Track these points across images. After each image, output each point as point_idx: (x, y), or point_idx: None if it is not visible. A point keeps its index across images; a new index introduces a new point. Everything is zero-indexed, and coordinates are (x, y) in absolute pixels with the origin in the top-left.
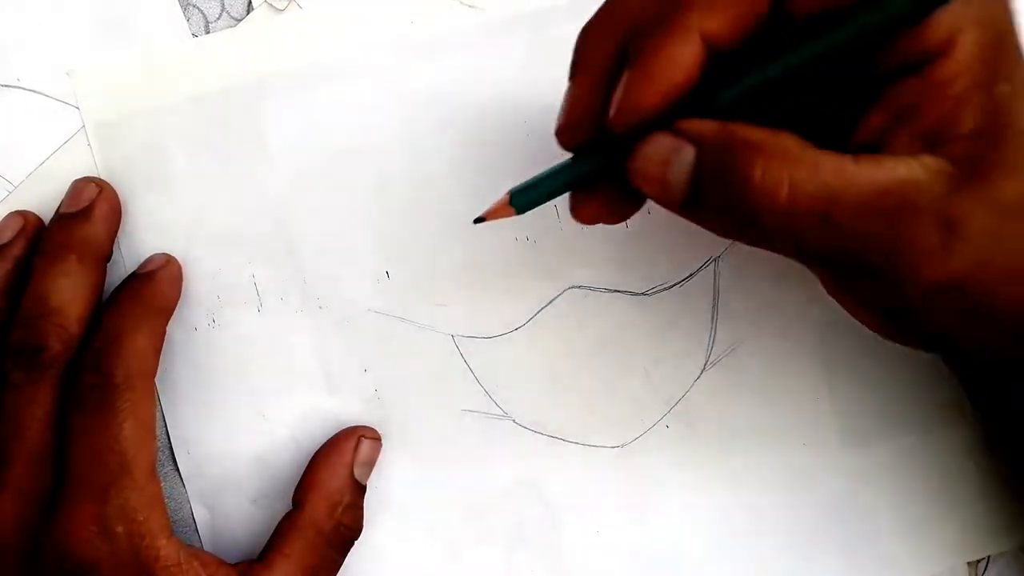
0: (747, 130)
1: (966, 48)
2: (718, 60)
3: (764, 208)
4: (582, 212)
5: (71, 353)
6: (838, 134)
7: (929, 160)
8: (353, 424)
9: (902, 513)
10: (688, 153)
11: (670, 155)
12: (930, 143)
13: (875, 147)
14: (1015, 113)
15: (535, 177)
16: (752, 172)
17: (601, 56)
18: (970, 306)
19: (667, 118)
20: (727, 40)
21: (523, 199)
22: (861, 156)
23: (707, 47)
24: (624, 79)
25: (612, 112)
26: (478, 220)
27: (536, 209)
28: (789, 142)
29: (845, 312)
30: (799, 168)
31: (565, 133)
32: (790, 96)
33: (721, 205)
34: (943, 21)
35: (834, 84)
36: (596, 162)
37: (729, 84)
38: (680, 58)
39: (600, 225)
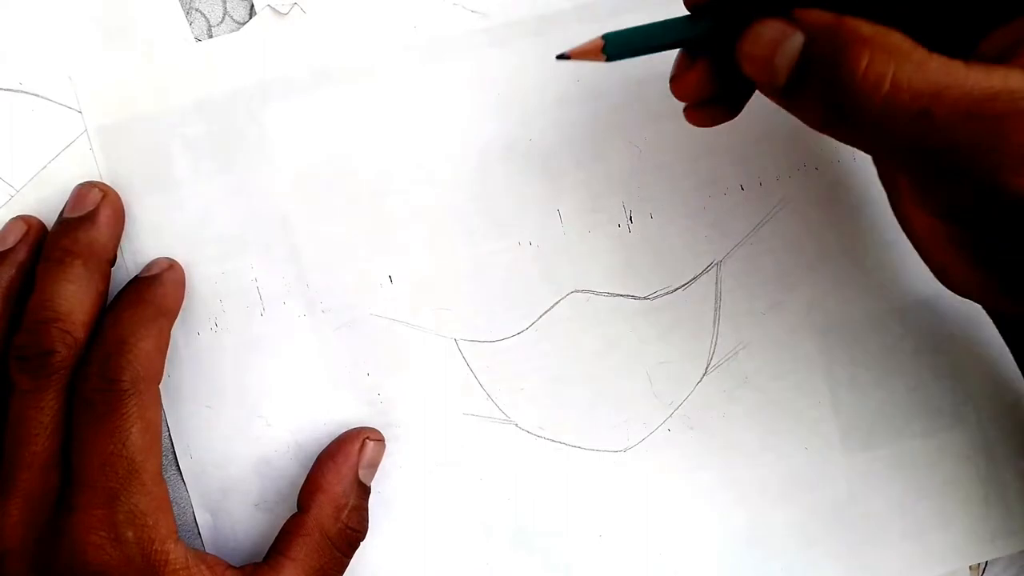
0: (858, 23)
1: None
2: None
3: (864, 99)
4: (681, 82)
5: (77, 358)
6: (961, 50)
7: None
8: (348, 430)
9: (903, 517)
10: (797, 39)
11: (780, 39)
12: None
13: (998, 61)
14: None
15: (635, 27)
16: (858, 62)
17: None
18: None
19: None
20: None
21: (619, 45)
22: (974, 62)
23: None
24: None
25: None
26: (561, 56)
27: (538, 214)
28: (899, 39)
29: (846, 318)
30: (905, 63)
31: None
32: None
33: (822, 94)
34: None
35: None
36: (708, 26)
37: None
38: None
39: (603, 229)
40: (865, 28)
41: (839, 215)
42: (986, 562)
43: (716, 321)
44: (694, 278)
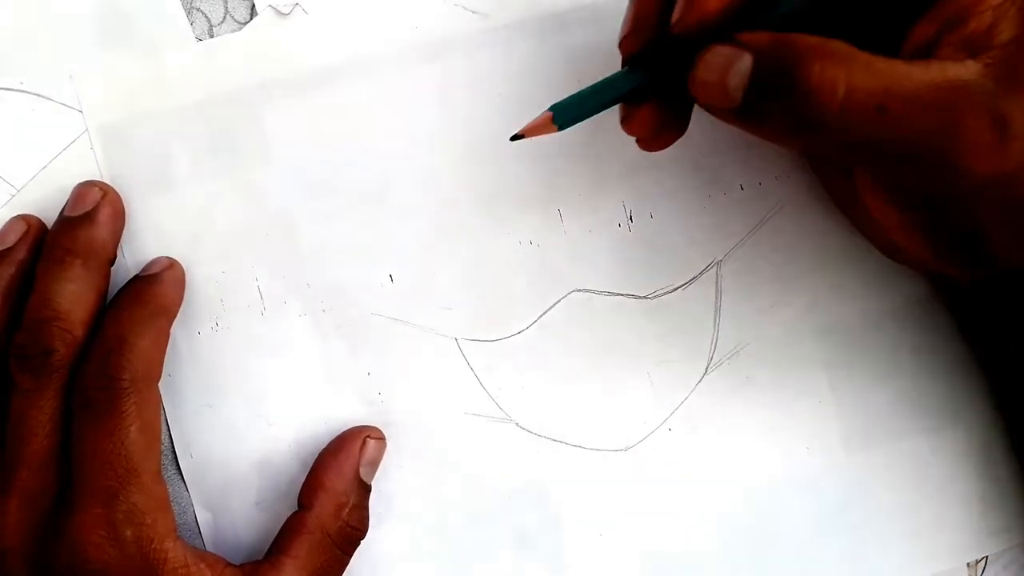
0: (802, 37)
1: None
2: None
3: (823, 105)
4: (632, 123)
5: (77, 357)
6: (889, 47)
7: (972, 64)
8: (349, 428)
9: (903, 515)
10: (746, 61)
11: (729, 63)
12: (975, 49)
13: (923, 55)
14: None
15: (578, 92)
16: (810, 72)
17: None
18: (1012, 202)
19: (725, 29)
20: None
21: (567, 114)
22: (913, 60)
23: None
24: None
25: (675, 16)
26: (516, 137)
27: (539, 213)
28: (841, 45)
29: (846, 317)
30: (854, 66)
31: (628, 41)
32: (844, 7)
33: (781, 108)
34: None
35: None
36: (649, 74)
37: None
38: None
39: (603, 228)
40: (809, 39)
41: (839, 215)
42: (986, 561)
43: (716, 320)
44: (694, 277)
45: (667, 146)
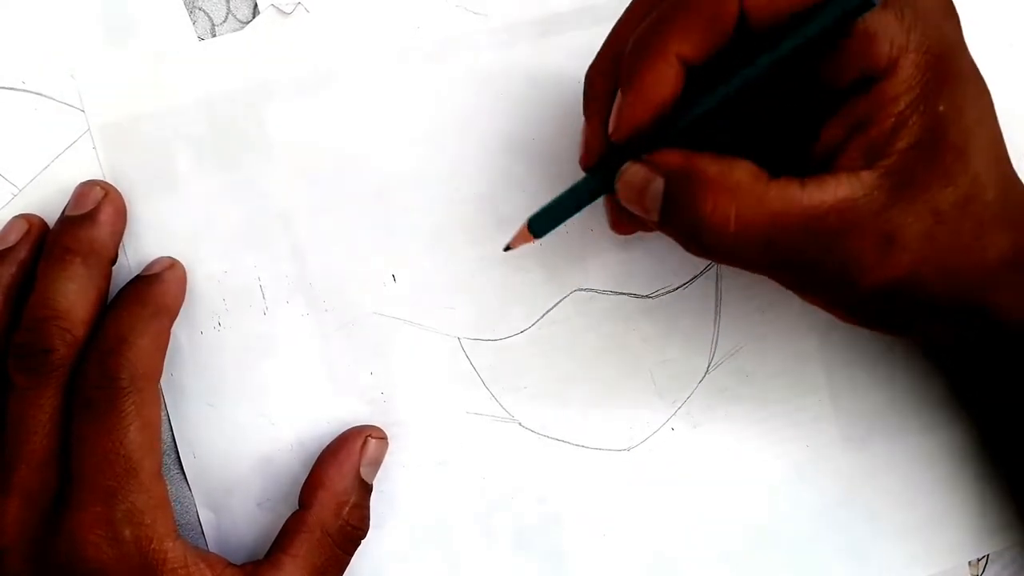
0: (705, 163)
1: (906, 70)
2: (696, 74)
3: (716, 236)
4: (620, 227)
5: (76, 356)
6: (804, 144)
7: (867, 176)
8: (351, 427)
9: (903, 514)
10: (658, 183)
11: (645, 184)
12: (873, 156)
13: (830, 157)
14: (951, 130)
15: (549, 203)
16: (704, 206)
17: (604, 92)
18: (911, 303)
19: (659, 129)
20: (700, 59)
21: (540, 224)
22: (808, 180)
23: (684, 66)
24: (617, 101)
25: (611, 128)
26: (506, 248)
27: None
28: (741, 174)
29: None
30: (747, 200)
31: (584, 159)
32: (757, 106)
33: (683, 230)
34: (886, 44)
35: (797, 99)
36: (601, 178)
37: (702, 97)
38: (661, 78)
39: (604, 228)
40: (710, 168)
41: None
42: (987, 560)
43: (717, 320)
44: (695, 277)
45: (634, 232)
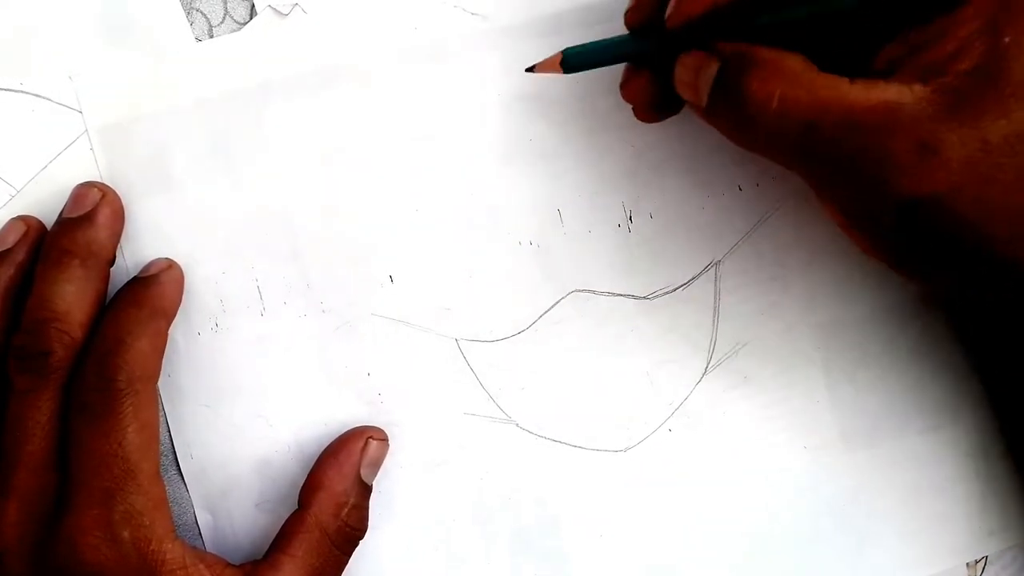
0: (760, 50)
1: (981, 1)
2: None
3: (757, 114)
4: (628, 88)
5: (75, 358)
6: (863, 60)
7: (919, 88)
8: (352, 428)
9: (903, 514)
10: (713, 67)
11: (700, 66)
12: (930, 74)
13: (885, 74)
14: (1014, 64)
15: (592, 42)
16: (752, 83)
17: None
18: (940, 233)
19: (712, 31)
20: None
21: (576, 59)
22: (858, 80)
23: None
24: None
25: (668, 12)
26: (529, 69)
27: (540, 214)
28: (793, 62)
29: (845, 316)
30: (793, 83)
31: (633, 13)
32: (824, 26)
33: (728, 111)
34: None
35: (864, 17)
36: (649, 44)
37: (769, 8)
38: None
39: (603, 229)
40: (764, 53)
41: None
42: (985, 561)
43: (716, 320)
44: (693, 278)
45: (658, 120)
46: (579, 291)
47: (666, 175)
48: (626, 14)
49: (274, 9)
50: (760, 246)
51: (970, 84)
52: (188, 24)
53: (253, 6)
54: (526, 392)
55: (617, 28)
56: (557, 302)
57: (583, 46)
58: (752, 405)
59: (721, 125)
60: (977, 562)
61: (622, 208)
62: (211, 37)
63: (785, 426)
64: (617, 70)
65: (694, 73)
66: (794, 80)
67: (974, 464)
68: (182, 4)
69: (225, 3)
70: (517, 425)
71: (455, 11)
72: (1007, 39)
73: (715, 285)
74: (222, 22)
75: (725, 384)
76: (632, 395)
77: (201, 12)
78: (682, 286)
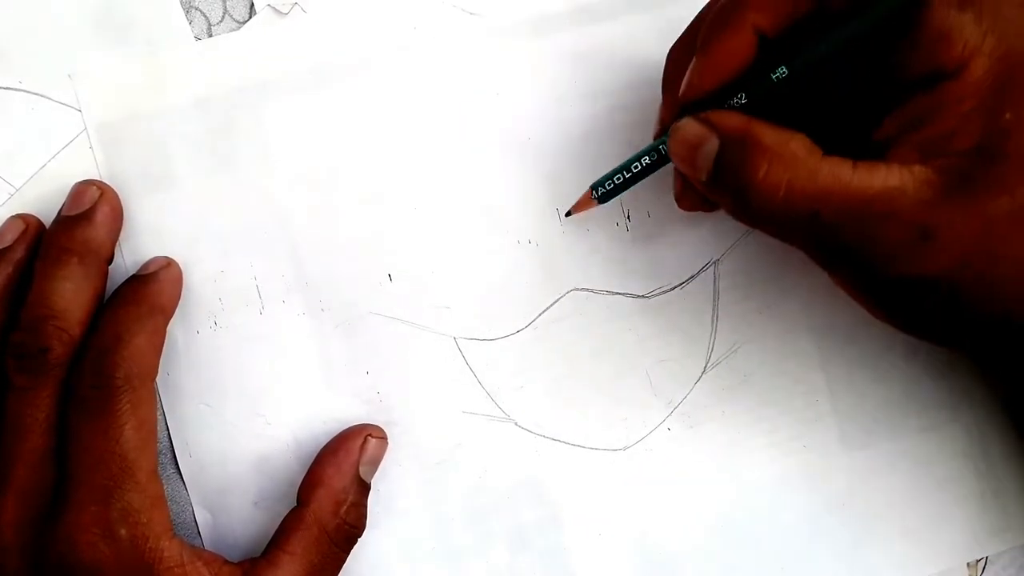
0: (763, 131)
1: (975, 74)
2: (768, 45)
3: (765, 202)
4: (684, 200)
5: (73, 356)
6: (866, 130)
7: (919, 170)
8: (351, 426)
9: (901, 514)
10: (713, 144)
11: (699, 141)
12: (929, 153)
13: (887, 146)
14: (1017, 139)
15: (612, 169)
16: (758, 171)
17: (683, 68)
18: (945, 306)
19: (725, 96)
20: (776, 31)
21: (603, 190)
22: (860, 163)
23: (758, 36)
24: (691, 65)
25: (681, 91)
26: (568, 214)
27: (538, 212)
28: (797, 146)
29: (843, 315)
30: (799, 172)
31: (658, 133)
32: (823, 85)
33: (732, 193)
34: (959, 44)
35: (866, 85)
36: (660, 145)
37: (771, 69)
38: (735, 45)
39: (601, 228)
40: (767, 137)
41: None
42: (986, 561)
43: (714, 319)
44: (692, 277)
45: (697, 209)
46: (578, 290)
47: (663, 174)
48: (654, 135)
49: (273, 8)
50: (759, 245)
51: (971, 164)
52: (187, 23)
53: (252, 5)
54: (525, 391)
55: (616, 29)
56: (556, 301)
57: (606, 176)
58: (750, 404)
59: (722, 201)
60: (978, 562)
61: (620, 207)
62: (210, 36)
63: (783, 425)
64: (617, 68)
65: (692, 150)
66: (798, 168)
67: (973, 464)
68: (181, 3)
69: (224, 2)
70: (516, 424)
71: (454, 11)
72: (1008, 115)
73: (714, 284)
74: (221, 21)
75: (724, 383)
76: (631, 394)
77: (200, 11)
78: (681, 285)
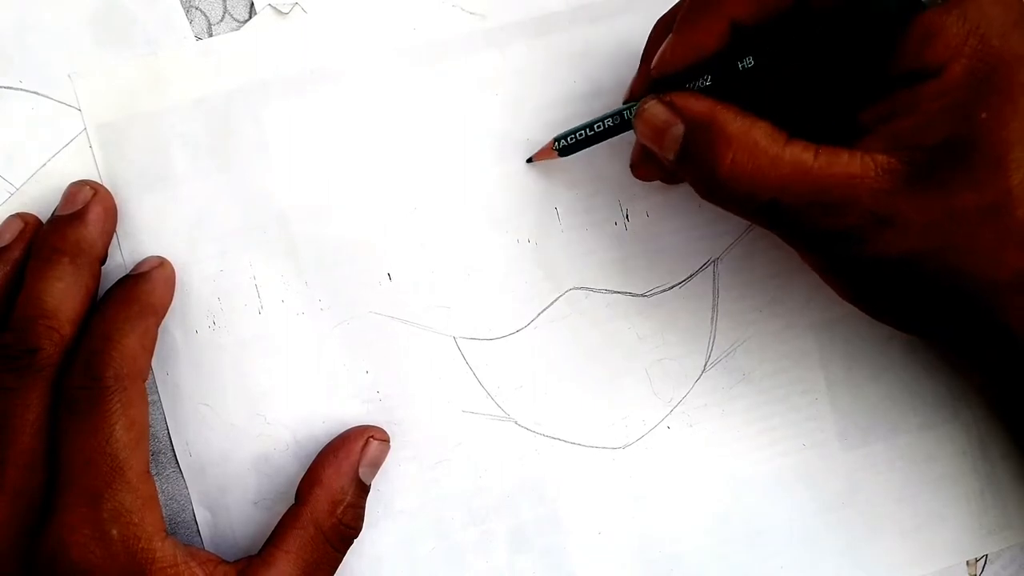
0: (728, 118)
1: (953, 73)
2: (744, 34)
3: (727, 188)
4: (640, 170)
5: (63, 355)
6: (843, 120)
7: (881, 158)
8: (354, 426)
9: (901, 512)
10: (679, 129)
11: (666, 126)
12: (898, 144)
13: (858, 133)
14: (990, 139)
15: (576, 126)
16: (722, 160)
17: (661, 41)
18: (908, 290)
19: (694, 76)
20: (751, 22)
21: (565, 143)
22: (823, 149)
23: (732, 26)
24: (664, 42)
25: (653, 63)
26: (530, 160)
27: (537, 212)
28: (760, 134)
29: (843, 314)
30: (760, 160)
31: (627, 98)
32: (797, 76)
33: (697, 176)
34: (940, 45)
35: (848, 78)
36: (625, 110)
37: (740, 57)
38: (709, 29)
39: (600, 227)
40: (732, 125)
41: None
42: (985, 559)
43: (714, 318)
44: (691, 275)
45: (653, 179)
46: (577, 289)
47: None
48: (624, 99)
49: (274, 8)
50: (758, 244)
51: (939, 158)
52: (187, 22)
53: (252, 5)
54: (524, 390)
55: (615, 28)
56: (555, 300)
57: (572, 129)
58: (750, 403)
59: (688, 179)
60: (977, 560)
61: (618, 206)
62: (210, 35)
63: (783, 424)
64: (617, 68)
65: (659, 132)
66: (760, 156)
67: (972, 462)
68: (181, 2)
69: (224, 2)
70: (515, 423)
71: (454, 11)
72: (984, 115)
73: (714, 283)
74: (221, 20)
75: (723, 382)
76: (631, 393)
77: (200, 10)
78: (680, 284)
